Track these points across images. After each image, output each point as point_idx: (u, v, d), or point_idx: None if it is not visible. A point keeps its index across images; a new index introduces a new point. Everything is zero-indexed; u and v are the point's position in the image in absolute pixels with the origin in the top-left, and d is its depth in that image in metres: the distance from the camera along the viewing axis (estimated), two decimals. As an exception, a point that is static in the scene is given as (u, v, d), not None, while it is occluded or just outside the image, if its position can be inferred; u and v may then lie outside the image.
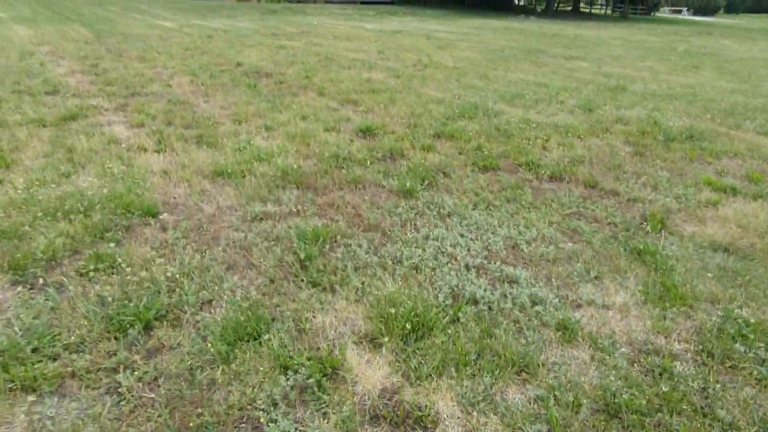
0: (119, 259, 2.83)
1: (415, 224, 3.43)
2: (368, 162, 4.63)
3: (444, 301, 2.52)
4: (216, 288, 2.64)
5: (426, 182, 4.17)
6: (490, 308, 2.49)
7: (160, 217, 3.50)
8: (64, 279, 2.68)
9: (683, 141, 5.46)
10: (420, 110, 6.38)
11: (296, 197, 3.83)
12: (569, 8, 44.82)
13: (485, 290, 2.60)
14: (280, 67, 9.17)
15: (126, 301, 2.46)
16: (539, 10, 32.60)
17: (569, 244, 3.22)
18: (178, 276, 2.71)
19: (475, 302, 2.54)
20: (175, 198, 3.78)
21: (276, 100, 6.73)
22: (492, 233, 3.30)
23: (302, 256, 2.93)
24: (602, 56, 12.64)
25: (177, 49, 10.77)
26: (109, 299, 2.48)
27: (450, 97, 7.26)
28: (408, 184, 4.00)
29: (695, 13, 57.91)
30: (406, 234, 3.27)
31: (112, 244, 3.04)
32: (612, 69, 10.58)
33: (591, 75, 9.71)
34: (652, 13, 51.43)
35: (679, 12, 56.45)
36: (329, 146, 4.95)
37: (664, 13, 55.52)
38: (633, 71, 10.40)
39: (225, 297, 2.56)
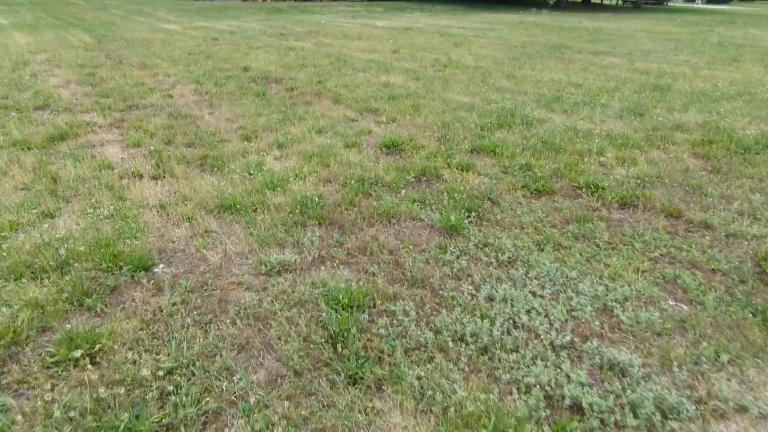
0: (98, 345, 2.16)
1: (470, 277, 2.73)
2: (399, 186, 3.94)
3: (537, 411, 1.82)
4: (224, 389, 1.96)
5: (472, 213, 3.47)
6: (603, 423, 1.79)
7: (155, 270, 2.83)
8: (25, 377, 2.02)
9: (761, 152, 4.70)
10: (449, 119, 5.66)
11: (319, 239, 3.14)
12: (580, 0, 43.57)
13: (589, 390, 1.90)
14: (290, 71, 8.48)
15: (99, 422, 1.79)
16: (551, 3, 31.56)
17: (675, 305, 2.50)
18: (173, 370, 2.03)
19: (581, 411, 1.83)
20: (173, 242, 3.11)
21: (288, 110, 6.04)
22: (572, 290, 2.59)
23: (334, 330, 2.25)
24: (631, 50, 11.81)
25: (180, 54, 10.12)
26: (78, 417, 1.81)
27: (480, 102, 6.53)
28: (452, 219, 3.30)
29: (709, 2, 56.28)
30: (462, 293, 2.57)
31: (91, 318, 2.37)
32: (646, 65, 9.77)
33: (626, 72, 8.91)
34: (665, 2, 50.03)
35: (693, 1, 54.88)
36: (352, 168, 4.26)
37: (677, 2, 54.00)
38: (670, 66, 9.58)
39: (239, 407, 1.88)
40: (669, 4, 50.84)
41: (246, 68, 8.62)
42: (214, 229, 3.28)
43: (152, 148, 4.76)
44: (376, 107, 6.23)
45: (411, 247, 3.07)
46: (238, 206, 3.54)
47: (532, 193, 3.86)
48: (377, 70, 8.71)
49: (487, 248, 3.02)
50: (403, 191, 3.87)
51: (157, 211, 3.51)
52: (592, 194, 3.83)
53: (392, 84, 7.58)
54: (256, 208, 3.54)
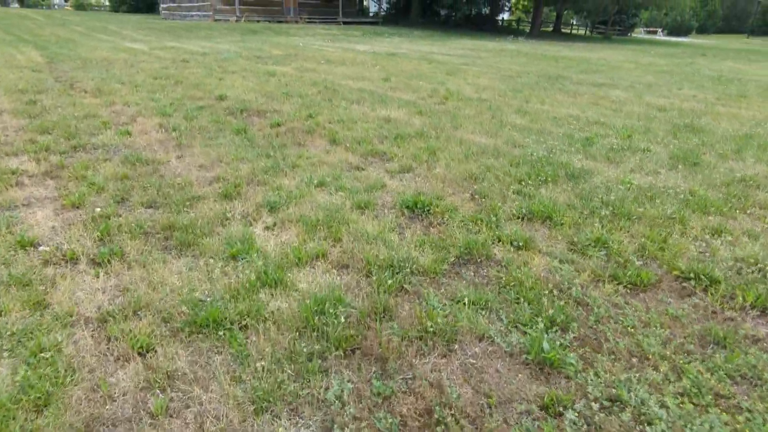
0: None
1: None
2: (440, 274, 2.85)
3: None
4: None
5: (559, 327, 2.39)
6: None
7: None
8: None
9: None
10: (476, 169, 4.62)
11: (352, 391, 1.98)
12: (550, 29, 44.31)
13: None
14: (273, 101, 7.33)
15: None
16: (526, 32, 31.67)
17: None
18: None
19: None
20: (113, 404, 1.89)
21: (276, 153, 4.89)
22: None
23: None
24: (632, 83, 11.20)
25: (145, 78, 8.84)
26: None
27: (503, 144, 5.53)
28: (545, 346, 2.20)
29: (669, 34, 58.47)
30: None
31: None
32: (657, 100, 9.08)
33: (641, 107, 8.16)
34: (629, 34, 51.56)
35: (655, 33, 56.84)
36: (372, 243, 3.14)
37: (640, 33, 55.83)
38: (681, 101, 8.91)
39: None
40: (632, 35, 52.43)
41: (222, 97, 7.42)
42: (183, 371, 2.07)
43: (98, 210, 3.51)
44: (382, 150, 5.14)
45: (496, 404, 1.94)
46: (218, 321, 2.34)
47: (626, 287, 2.81)
48: (372, 101, 7.66)
49: (620, 410, 1.92)
50: (447, 283, 2.76)
51: (93, 333, 2.28)
52: (706, 289, 2.81)
53: (394, 120, 6.53)
54: (247, 324, 2.36)
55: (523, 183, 4.31)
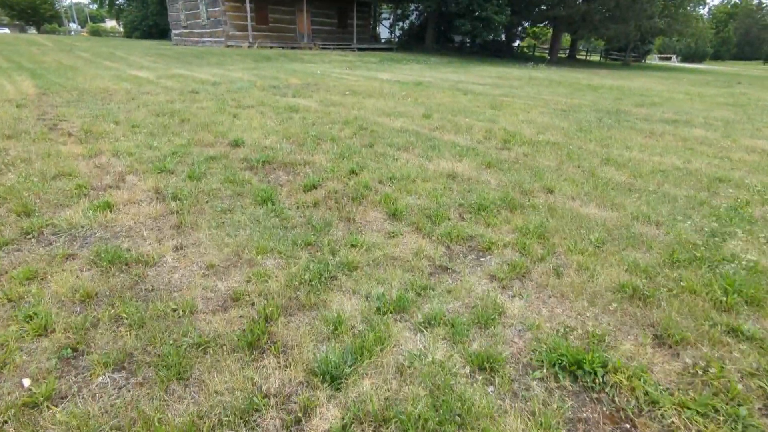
0: None
1: None
2: None
3: None
4: None
5: None
6: None
7: None
8: None
9: None
10: (624, 272, 3.02)
11: None
12: (565, 55, 43.25)
13: None
14: (301, 148, 5.82)
15: None
16: (546, 57, 30.49)
17: None
18: None
19: None
20: None
21: (320, 240, 3.32)
22: None
23: None
24: (705, 119, 9.65)
25: (145, 115, 7.39)
26: None
27: (631, 221, 3.94)
28: None
29: (683, 60, 57.37)
30: None
31: None
32: (756, 142, 7.51)
33: (749, 153, 6.59)
34: (644, 60, 50.45)
35: (669, 59, 55.73)
36: None
37: (654, 60, 54.76)
38: (784, 144, 7.34)
39: None
40: (646, 61, 51.31)
41: (237, 142, 5.91)
42: None
43: (40, 373, 1.93)
44: (468, 232, 3.56)
45: None
46: None
47: None
48: (423, 147, 6.12)
49: None
50: None
51: None
52: None
53: (461, 176, 4.98)
54: None
55: (724, 305, 2.70)
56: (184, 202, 3.93)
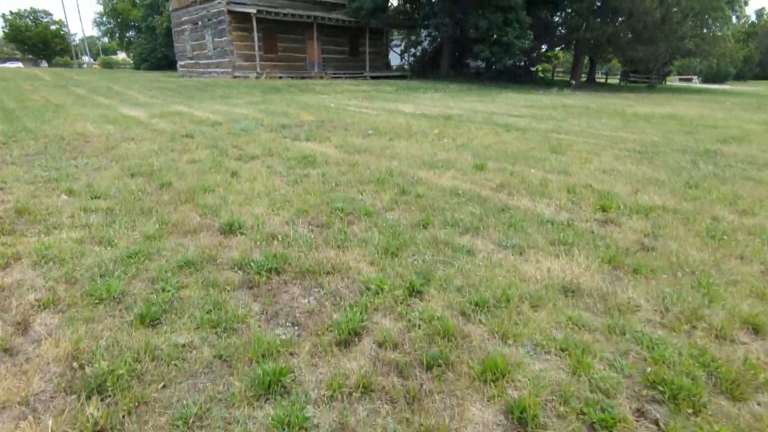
0: None
1: None
2: None
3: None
4: None
5: None
6: None
7: None
8: None
9: None
10: None
11: None
12: (584, 78, 41.79)
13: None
14: (325, 234, 3.98)
15: None
16: (571, 82, 28.88)
17: None
18: None
19: None
20: None
21: None
22: None
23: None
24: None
25: (115, 176, 5.63)
26: None
27: None
28: None
29: (704, 81, 55.60)
30: None
31: None
32: None
33: None
34: (664, 81, 48.78)
35: (690, 80, 54.03)
36: None
37: (675, 81, 53.10)
38: None
39: None
40: (666, 83, 49.62)
41: (231, 226, 4.06)
42: None
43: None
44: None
45: None
46: None
47: None
48: (497, 225, 4.24)
49: None
50: None
51: None
52: None
53: (584, 290, 3.07)
54: None
55: None
56: (116, 405, 2.04)
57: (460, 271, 3.32)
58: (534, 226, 4.29)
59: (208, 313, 2.73)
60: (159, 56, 46.72)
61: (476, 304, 2.88)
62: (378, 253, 3.59)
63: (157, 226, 4.02)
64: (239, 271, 3.28)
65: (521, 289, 3.07)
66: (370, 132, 9.49)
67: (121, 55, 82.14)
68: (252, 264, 3.33)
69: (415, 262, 3.45)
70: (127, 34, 63.88)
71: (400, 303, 2.90)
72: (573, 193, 5.43)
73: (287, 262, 3.40)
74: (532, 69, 35.24)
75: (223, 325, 2.63)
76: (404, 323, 2.70)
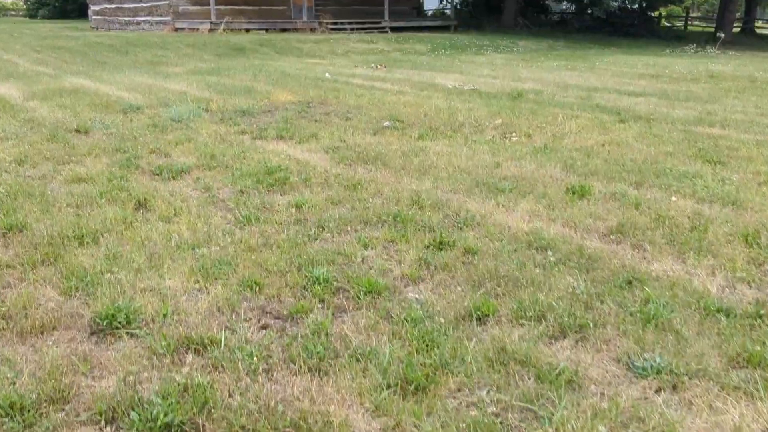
0: None
1: None
2: None
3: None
4: None
5: None
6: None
7: None
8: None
9: None
10: None
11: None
12: (738, 28, 41.83)
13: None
14: (292, 334, 3.40)
15: None
16: (720, 35, 28.26)
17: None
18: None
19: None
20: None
21: None
22: None
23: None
24: None
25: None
26: None
27: None
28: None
29: None
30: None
31: None
32: None
33: None
34: None
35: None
36: None
37: None
38: None
39: None
40: None
41: (110, 321, 3.40)
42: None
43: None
44: None
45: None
46: None
47: None
48: (617, 322, 3.53)
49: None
50: None
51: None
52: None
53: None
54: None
55: None
56: None
57: (555, 436, 2.57)
58: (693, 319, 3.55)
59: None
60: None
61: None
62: (389, 387, 2.87)
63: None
64: (106, 433, 2.58)
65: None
66: (386, 123, 9.10)
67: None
68: (136, 418, 2.62)
69: (463, 411, 2.72)
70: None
71: None
72: (756, 245, 4.69)
73: (207, 414, 2.68)
74: (652, 15, 35.33)
75: None
76: None
